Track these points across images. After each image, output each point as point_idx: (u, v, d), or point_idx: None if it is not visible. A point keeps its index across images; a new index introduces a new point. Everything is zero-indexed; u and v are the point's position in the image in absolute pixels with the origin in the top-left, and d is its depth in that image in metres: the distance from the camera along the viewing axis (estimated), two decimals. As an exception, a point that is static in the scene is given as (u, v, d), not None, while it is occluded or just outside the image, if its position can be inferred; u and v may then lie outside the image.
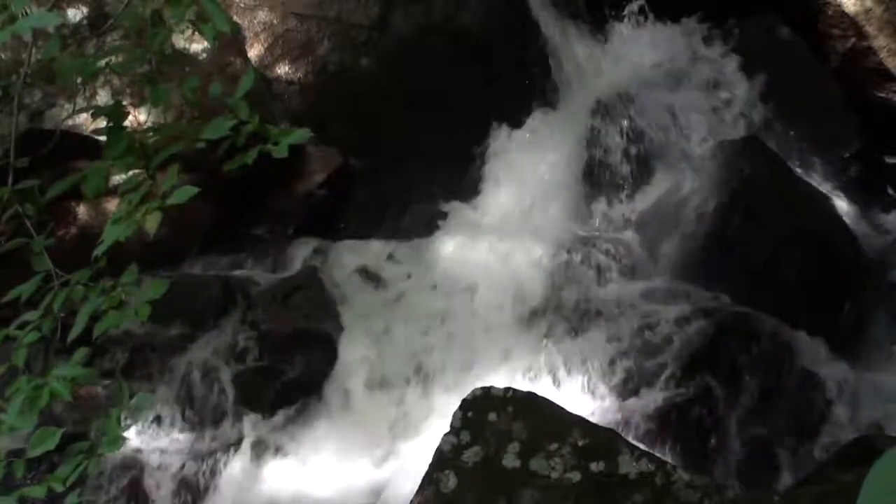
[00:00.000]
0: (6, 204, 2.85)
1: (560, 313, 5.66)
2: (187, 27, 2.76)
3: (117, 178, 2.95)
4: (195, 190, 2.66)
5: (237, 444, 5.42)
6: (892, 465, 1.10)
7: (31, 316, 2.82)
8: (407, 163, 6.63)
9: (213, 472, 5.35)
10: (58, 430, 2.69)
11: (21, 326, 2.83)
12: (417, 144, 6.60)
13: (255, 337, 5.67)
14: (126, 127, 2.82)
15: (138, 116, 5.46)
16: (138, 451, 5.32)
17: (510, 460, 3.86)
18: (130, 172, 2.78)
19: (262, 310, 5.80)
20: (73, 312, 2.81)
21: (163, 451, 5.35)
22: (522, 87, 6.78)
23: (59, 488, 2.73)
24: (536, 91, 6.79)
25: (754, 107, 6.53)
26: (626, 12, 7.04)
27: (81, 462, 2.74)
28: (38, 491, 2.74)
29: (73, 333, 2.76)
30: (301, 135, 2.75)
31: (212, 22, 2.67)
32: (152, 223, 2.63)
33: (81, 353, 2.80)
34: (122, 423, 2.82)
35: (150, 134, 2.84)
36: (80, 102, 5.61)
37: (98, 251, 2.71)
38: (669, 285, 5.71)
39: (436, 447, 3.97)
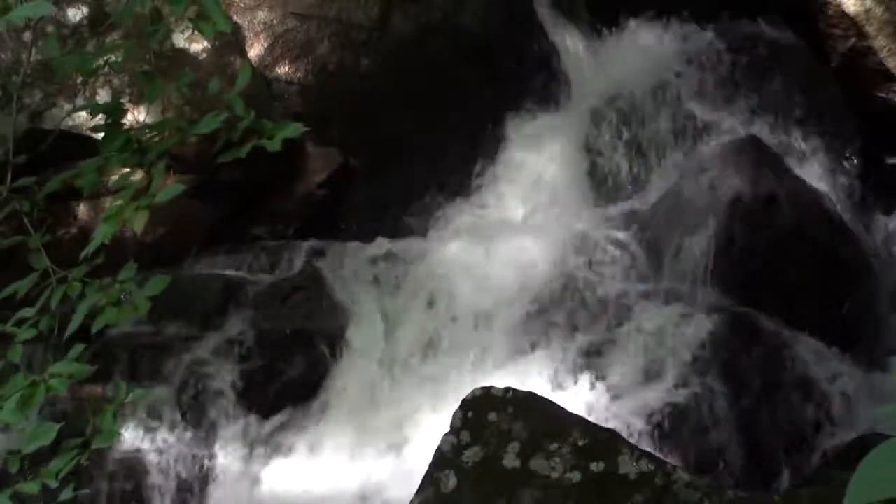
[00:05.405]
0: (4, 202, 2.85)
1: (560, 313, 5.66)
2: (186, 26, 2.77)
3: (117, 178, 2.95)
4: (180, 188, 2.69)
5: (237, 444, 5.42)
6: (880, 461, 1.10)
7: (27, 312, 2.80)
8: (407, 163, 6.63)
9: (214, 473, 5.35)
10: (55, 424, 2.67)
11: (18, 323, 2.82)
12: (417, 144, 6.59)
13: (255, 337, 5.67)
14: (124, 124, 2.82)
15: (137, 116, 5.46)
16: (138, 451, 5.32)
17: (510, 460, 3.86)
18: (125, 170, 2.78)
19: (262, 310, 5.80)
20: (73, 311, 2.80)
21: (163, 452, 5.35)
22: (522, 87, 6.78)
23: (52, 484, 2.71)
24: (536, 91, 6.79)
25: (754, 107, 6.53)
26: (626, 12, 7.03)
27: (75, 456, 2.72)
28: (31, 486, 2.72)
29: (70, 329, 2.74)
30: (294, 129, 2.77)
31: (212, 21, 2.66)
32: (139, 221, 2.63)
33: (78, 349, 2.79)
34: (118, 419, 2.81)
35: (147, 131, 2.84)
36: (80, 102, 5.61)
37: (88, 249, 2.71)
38: (669, 285, 5.71)
39: (436, 447, 3.97)
